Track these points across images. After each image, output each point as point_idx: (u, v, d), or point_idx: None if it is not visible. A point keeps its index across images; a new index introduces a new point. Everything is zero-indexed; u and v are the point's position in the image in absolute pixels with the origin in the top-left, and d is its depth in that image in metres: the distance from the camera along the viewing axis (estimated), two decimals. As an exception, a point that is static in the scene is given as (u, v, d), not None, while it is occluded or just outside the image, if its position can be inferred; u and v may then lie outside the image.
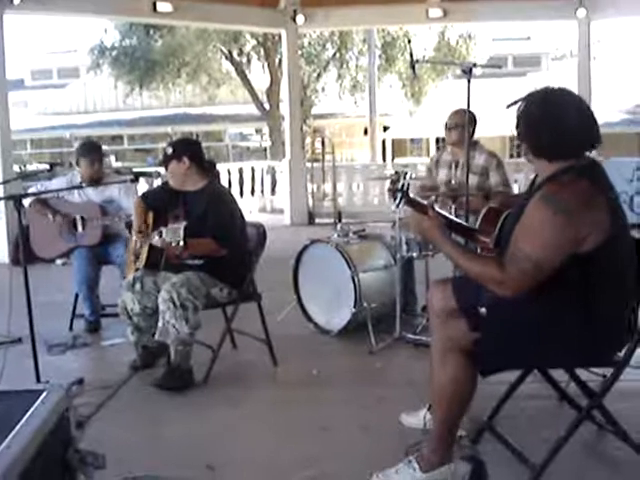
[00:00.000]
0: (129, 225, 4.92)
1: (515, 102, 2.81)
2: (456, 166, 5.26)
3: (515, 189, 8.67)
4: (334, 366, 4.60)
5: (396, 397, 3.90)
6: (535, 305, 2.63)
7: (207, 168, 4.53)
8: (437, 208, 3.15)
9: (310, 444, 3.41)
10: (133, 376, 4.38)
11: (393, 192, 3.36)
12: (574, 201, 2.52)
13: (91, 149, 5.66)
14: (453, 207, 4.81)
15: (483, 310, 2.76)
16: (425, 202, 3.23)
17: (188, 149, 4.47)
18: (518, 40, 29.83)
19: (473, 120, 4.95)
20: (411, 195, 3.33)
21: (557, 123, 2.63)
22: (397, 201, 3.28)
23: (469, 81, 4.30)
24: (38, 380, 3.90)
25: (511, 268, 2.56)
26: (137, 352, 4.49)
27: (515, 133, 2.77)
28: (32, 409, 1.93)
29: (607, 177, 2.71)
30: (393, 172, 4.29)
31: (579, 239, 2.52)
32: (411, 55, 5.17)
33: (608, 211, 2.56)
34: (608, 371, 2.86)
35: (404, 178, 3.31)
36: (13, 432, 1.79)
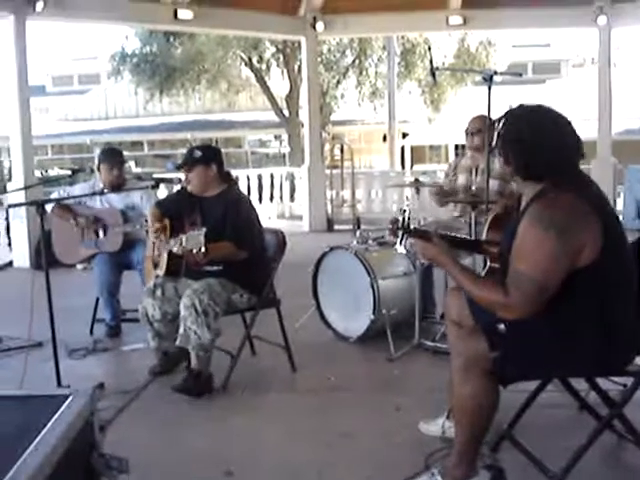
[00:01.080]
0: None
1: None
2: (476, 172, 5.26)
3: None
4: (353, 373, 4.60)
5: (415, 404, 3.90)
6: (551, 319, 2.63)
7: (226, 177, 4.54)
8: (439, 231, 3.18)
9: (329, 451, 3.41)
10: (153, 381, 4.41)
11: (394, 231, 3.38)
12: (563, 216, 2.54)
13: (111, 155, 5.70)
14: (472, 213, 4.81)
15: (502, 327, 2.75)
16: (428, 230, 3.26)
17: (216, 156, 4.50)
18: (538, 47, 29.71)
19: (493, 126, 4.95)
20: (412, 227, 3.35)
21: (550, 145, 2.65)
22: (399, 239, 3.31)
23: (489, 88, 4.30)
24: (59, 384, 3.94)
25: (514, 292, 2.57)
26: (157, 357, 4.52)
27: (500, 157, 2.78)
28: (58, 414, 1.95)
29: (596, 186, 2.72)
30: (409, 187, 4.28)
31: (575, 252, 2.53)
32: (431, 62, 5.17)
33: (599, 221, 2.55)
34: (629, 380, 2.85)
35: (403, 214, 3.34)
36: (39, 436, 1.82)
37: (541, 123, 2.68)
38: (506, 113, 2.78)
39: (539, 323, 2.63)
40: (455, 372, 2.78)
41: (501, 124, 2.76)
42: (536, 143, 2.64)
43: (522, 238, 2.61)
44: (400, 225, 3.32)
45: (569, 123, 2.70)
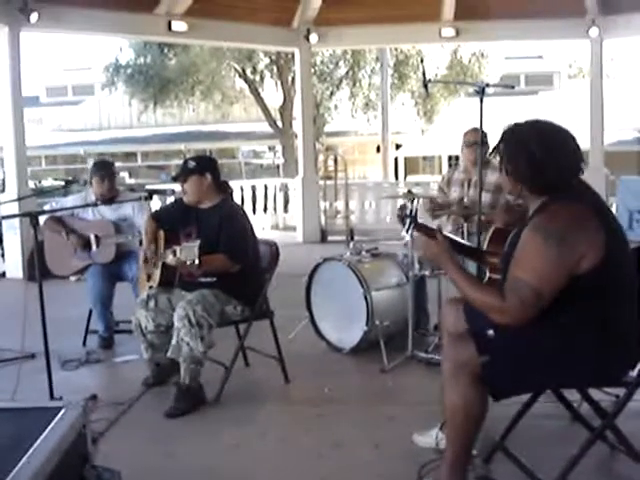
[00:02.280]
0: (142, 243, 4.95)
1: (496, 148, 2.83)
2: (469, 184, 5.28)
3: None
4: (346, 384, 4.60)
5: (408, 416, 3.90)
6: (545, 327, 2.64)
7: (223, 187, 4.55)
8: (445, 232, 3.18)
9: (322, 462, 3.41)
10: (146, 393, 4.40)
11: (402, 218, 3.40)
12: (564, 226, 2.57)
13: (102, 168, 5.68)
14: (465, 225, 4.82)
15: (491, 332, 2.77)
16: (433, 227, 3.27)
17: (211, 166, 4.50)
18: (530, 59, 29.85)
19: (485, 140, 4.99)
20: (419, 220, 3.37)
21: (557, 160, 2.68)
22: (406, 226, 3.32)
23: (482, 100, 4.33)
24: (52, 396, 3.93)
25: (511, 297, 2.60)
26: (150, 369, 4.51)
27: (504, 173, 2.79)
28: (51, 425, 1.95)
29: (598, 196, 2.75)
30: (403, 199, 4.31)
31: (574, 261, 2.56)
32: (424, 74, 5.19)
33: (602, 230, 2.58)
34: (621, 391, 2.86)
35: (412, 204, 3.36)
36: (32, 448, 1.82)
37: (549, 138, 2.71)
38: (510, 128, 2.80)
39: (531, 330, 2.64)
40: (445, 377, 2.80)
41: (506, 139, 2.77)
42: (544, 158, 2.66)
43: (522, 247, 2.65)
44: (408, 213, 3.34)
45: (573, 137, 2.74)
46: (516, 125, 2.79)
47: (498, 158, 2.81)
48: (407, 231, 3.38)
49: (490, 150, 2.91)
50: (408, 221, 3.35)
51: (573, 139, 2.73)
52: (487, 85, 4.38)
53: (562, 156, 2.69)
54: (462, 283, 2.81)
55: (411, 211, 3.37)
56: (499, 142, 2.80)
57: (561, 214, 2.61)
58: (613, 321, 2.63)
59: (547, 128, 2.75)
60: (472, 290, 2.77)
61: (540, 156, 2.67)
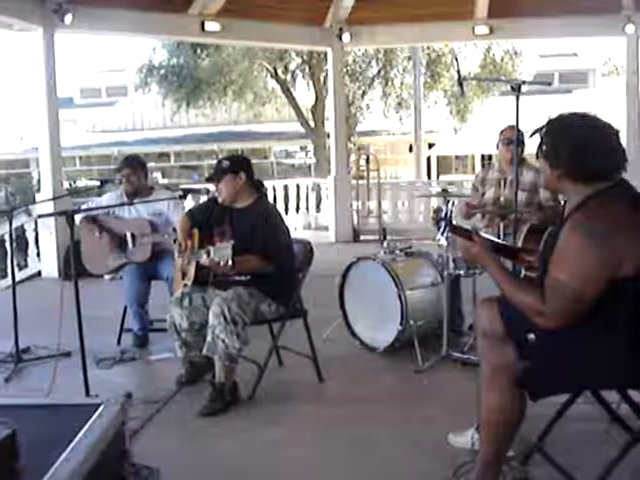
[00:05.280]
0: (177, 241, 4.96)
1: (539, 130, 2.78)
2: (504, 183, 5.22)
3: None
4: (380, 384, 4.59)
5: (443, 416, 3.87)
6: (583, 330, 2.58)
7: (257, 186, 4.55)
8: (482, 233, 3.15)
9: (357, 462, 3.40)
10: (180, 391, 4.42)
11: (437, 221, 3.37)
12: (605, 225, 2.50)
13: (122, 166, 5.69)
14: (502, 225, 4.77)
15: (532, 336, 2.72)
16: (469, 228, 3.23)
17: (244, 165, 4.52)
18: (565, 56, 29.56)
19: (523, 137, 4.94)
20: (454, 222, 3.34)
21: (604, 148, 2.62)
22: (442, 229, 3.29)
23: (518, 98, 4.27)
24: (87, 394, 3.96)
25: (551, 300, 2.54)
26: (184, 367, 4.53)
27: (548, 160, 2.73)
28: (90, 423, 1.95)
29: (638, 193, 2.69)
30: (437, 198, 4.28)
31: (615, 263, 2.48)
32: (458, 73, 5.15)
33: None
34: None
35: (446, 206, 3.33)
36: (71, 445, 1.82)
37: (593, 124, 2.67)
38: (555, 117, 2.75)
39: (571, 333, 2.59)
40: (482, 380, 2.76)
41: (549, 124, 2.72)
42: (586, 140, 2.62)
43: (563, 246, 2.57)
44: (443, 216, 3.32)
45: (617, 132, 2.69)
46: (561, 114, 2.75)
47: (537, 149, 2.75)
48: (442, 234, 3.35)
49: (531, 133, 2.83)
50: (443, 224, 3.32)
51: (617, 134, 2.68)
52: (524, 82, 4.34)
53: (605, 142, 2.63)
54: (504, 284, 2.74)
55: (446, 214, 3.34)
56: (541, 128, 2.75)
57: (602, 212, 2.54)
58: None
59: (592, 117, 2.70)
60: (514, 291, 2.69)
61: (581, 138, 2.62)
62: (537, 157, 2.78)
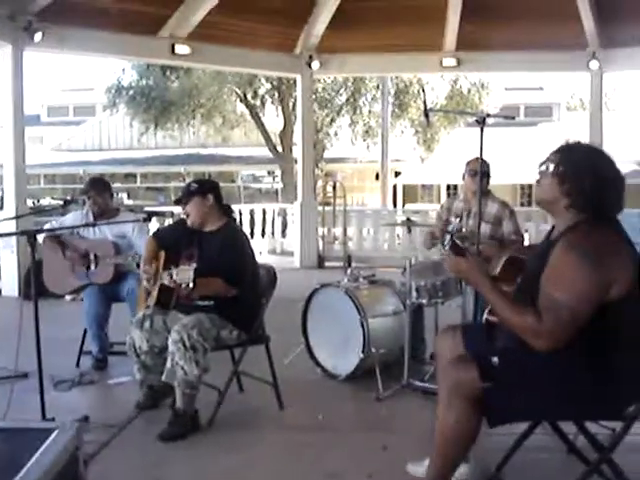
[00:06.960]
0: (140, 264, 4.93)
1: (557, 151, 2.82)
2: (468, 214, 5.27)
3: (526, 237, 8.67)
4: (341, 412, 4.58)
5: (402, 445, 3.87)
6: (550, 358, 2.61)
7: (226, 210, 4.56)
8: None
9: (315, 490, 3.38)
10: (138, 416, 4.36)
11: (443, 232, 3.43)
12: (598, 247, 2.56)
13: (89, 188, 5.68)
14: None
15: (495, 360, 2.74)
16: (465, 247, 3.30)
17: (212, 188, 4.53)
18: (530, 90, 30.06)
19: (488, 169, 5.02)
20: (455, 239, 3.38)
21: (614, 181, 2.72)
22: (446, 242, 3.33)
23: (482, 130, 4.33)
24: (44, 416, 3.88)
25: (547, 318, 2.55)
26: (142, 391, 4.47)
27: (563, 185, 2.73)
28: (43, 447, 1.92)
29: (623, 228, 2.75)
30: (401, 227, 4.30)
31: (607, 284, 2.54)
32: (424, 104, 5.23)
33: (631, 260, 2.58)
34: (617, 424, 2.83)
35: (455, 222, 3.43)
36: (23, 470, 1.79)
37: (618, 170, 2.74)
38: (578, 143, 2.83)
39: (537, 360, 2.62)
40: (441, 397, 2.78)
41: (575, 150, 2.79)
42: (614, 185, 2.70)
43: (557, 265, 2.60)
44: (449, 230, 3.36)
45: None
46: (572, 143, 2.82)
47: (551, 166, 2.77)
48: (445, 247, 3.40)
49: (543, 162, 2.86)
50: (448, 238, 3.37)
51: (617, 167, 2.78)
52: (488, 115, 4.39)
53: (620, 186, 2.72)
54: (498, 304, 2.74)
55: (452, 229, 3.40)
56: (560, 150, 2.79)
57: (595, 235, 2.61)
58: (617, 357, 2.62)
59: (601, 150, 2.81)
60: (508, 312, 2.68)
61: (608, 178, 2.69)
62: (540, 173, 2.82)
